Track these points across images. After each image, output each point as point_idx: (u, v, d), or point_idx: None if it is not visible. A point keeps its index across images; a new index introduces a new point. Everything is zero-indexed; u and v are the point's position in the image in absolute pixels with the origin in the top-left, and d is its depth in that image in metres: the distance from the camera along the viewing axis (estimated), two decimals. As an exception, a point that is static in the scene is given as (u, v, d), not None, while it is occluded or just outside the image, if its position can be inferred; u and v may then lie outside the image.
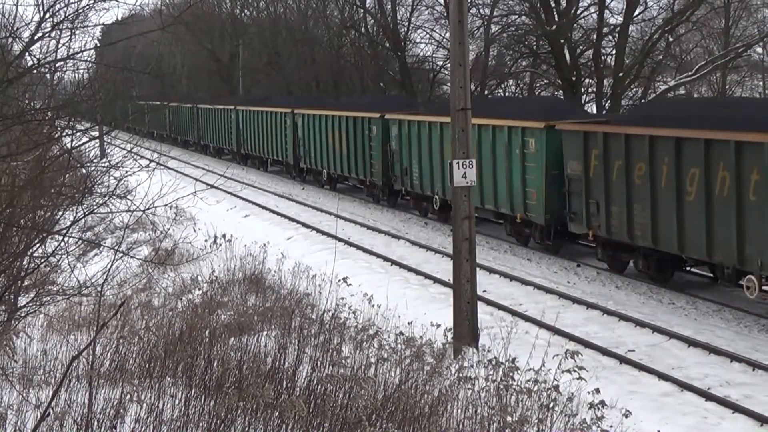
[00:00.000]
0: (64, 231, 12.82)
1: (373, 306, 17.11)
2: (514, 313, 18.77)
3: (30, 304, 14.44)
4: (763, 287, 18.20)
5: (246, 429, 8.92)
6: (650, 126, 21.05)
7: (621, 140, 21.67)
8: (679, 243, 19.96)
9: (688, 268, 22.10)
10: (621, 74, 42.28)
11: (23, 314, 14.56)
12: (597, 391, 10.74)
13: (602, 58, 45.40)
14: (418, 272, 22.99)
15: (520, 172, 25.64)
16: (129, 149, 15.70)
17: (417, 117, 32.38)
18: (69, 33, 12.74)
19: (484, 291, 20.01)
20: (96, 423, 8.60)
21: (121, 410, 8.77)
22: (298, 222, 32.01)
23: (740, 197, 18.22)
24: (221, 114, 56.08)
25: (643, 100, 44.14)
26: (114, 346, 12.15)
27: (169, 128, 66.64)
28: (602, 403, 10.30)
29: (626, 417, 10.72)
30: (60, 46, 12.61)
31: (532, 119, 25.25)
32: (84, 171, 15.56)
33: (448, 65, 44.96)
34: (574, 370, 10.90)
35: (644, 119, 22.42)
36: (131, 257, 15.33)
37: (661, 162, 20.31)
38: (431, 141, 30.48)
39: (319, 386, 10.25)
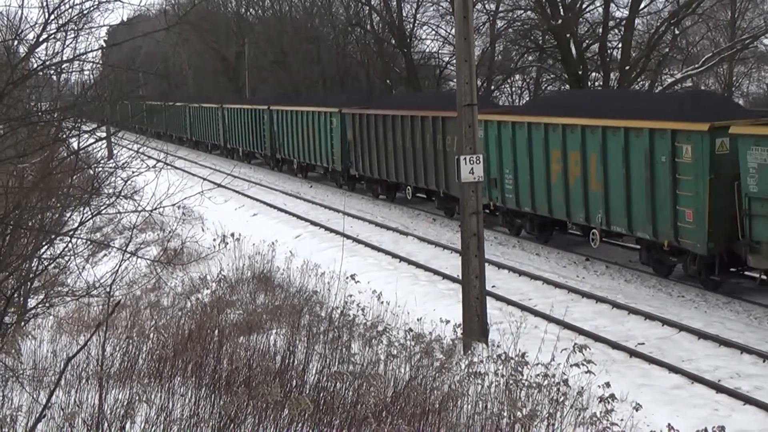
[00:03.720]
0: (72, 232, 12.86)
1: (382, 303, 17.10)
2: (523, 308, 18.74)
3: (39, 306, 14.48)
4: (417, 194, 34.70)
5: (256, 427, 8.91)
6: (383, 109, 36.38)
7: (365, 117, 37.23)
8: (387, 174, 35.64)
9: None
10: (627, 67, 42.21)
11: (32, 315, 14.59)
12: (607, 384, 10.71)
13: (608, 51, 45.33)
14: (426, 268, 22.98)
15: (329, 140, 41.15)
16: (136, 149, 15.69)
17: (288, 107, 47.04)
18: (74, 34, 12.76)
19: (493, 286, 20.00)
20: (106, 423, 8.60)
21: (131, 410, 8.77)
22: (306, 220, 32.03)
23: (405, 150, 33.94)
24: (179, 110, 70.59)
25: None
26: (123, 346, 12.15)
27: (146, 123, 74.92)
28: (612, 396, 10.26)
29: (637, 410, 10.68)
30: (65, 47, 12.62)
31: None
32: (91, 172, 15.57)
33: (454, 61, 44.90)
34: (584, 364, 10.87)
35: (385, 105, 37.58)
36: (140, 257, 15.35)
37: (390, 130, 34.98)
38: (292, 123, 45.96)
39: (329, 384, 10.24)
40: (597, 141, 22.57)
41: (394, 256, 24.78)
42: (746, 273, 20.22)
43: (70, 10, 11.57)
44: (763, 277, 19.26)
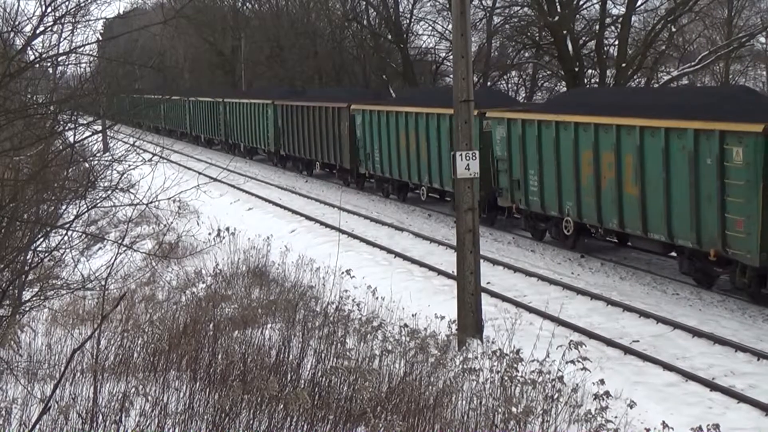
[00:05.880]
0: (68, 225, 12.84)
1: (377, 298, 17.09)
2: (518, 304, 18.76)
3: (34, 299, 14.46)
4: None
5: (251, 422, 8.91)
6: (300, 101, 44.82)
7: (289, 108, 44.92)
8: (304, 153, 43.82)
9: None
10: (624, 65, 42.19)
11: (27, 308, 14.57)
12: (602, 381, 10.72)
13: (605, 48, 45.31)
14: (421, 264, 22.98)
15: (266, 127, 49.33)
16: (132, 143, 15.65)
17: (235, 100, 55.84)
18: (71, 27, 12.74)
19: (488, 282, 20.01)
20: (101, 417, 8.59)
21: (126, 404, 8.76)
22: (301, 215, 32.02)
23: (310, 131, 43.01)
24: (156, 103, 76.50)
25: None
26: (118, 340, 12.14)
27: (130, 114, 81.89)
28: (607, 393, 10.27)
29: (631, 407, 10.71)
30: (62, 40, 12.62)
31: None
32: (87, 165, 15.55)
33: (451, 57, 45.00)
34: (579, 361, 10.88)
35: (303, 98, 45.89)
36: (135, 251, 15.35)
37: (305, 118, 43.06)
38: (239, 113, 54.23)
39: (324, 379, 10.24)
40: (423, 124, 31.55)
41: (390, 251, 24.78)
42: (515, 216, 27.58)
43: (67, 3, 11.56)
44: (513, 213, 27.15)
